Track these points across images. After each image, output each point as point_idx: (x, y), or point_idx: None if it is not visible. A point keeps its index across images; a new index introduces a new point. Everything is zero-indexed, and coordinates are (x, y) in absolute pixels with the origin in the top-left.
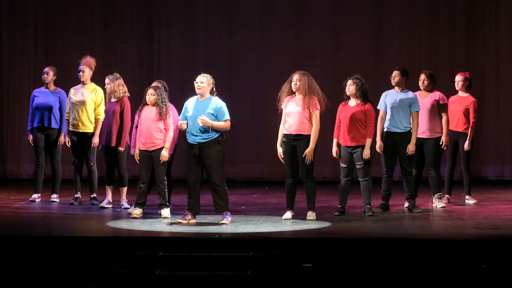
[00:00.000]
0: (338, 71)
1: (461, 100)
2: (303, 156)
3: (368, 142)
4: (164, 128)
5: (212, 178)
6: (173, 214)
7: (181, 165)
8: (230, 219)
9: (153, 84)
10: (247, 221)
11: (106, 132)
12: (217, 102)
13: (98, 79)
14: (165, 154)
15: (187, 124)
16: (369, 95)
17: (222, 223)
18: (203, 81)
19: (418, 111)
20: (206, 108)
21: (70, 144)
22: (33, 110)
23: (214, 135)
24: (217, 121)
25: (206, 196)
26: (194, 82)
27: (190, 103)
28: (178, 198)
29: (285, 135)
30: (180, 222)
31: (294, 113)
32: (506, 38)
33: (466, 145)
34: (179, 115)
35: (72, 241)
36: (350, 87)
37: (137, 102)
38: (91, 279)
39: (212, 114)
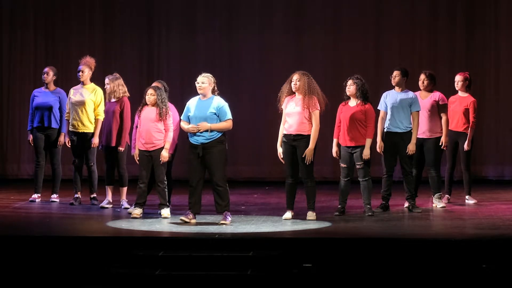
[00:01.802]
0: (338, 71)
1: (461, 100)
2: (303, 156)
3: (368, 142)
4: (164, 129)
5: (214, 178)
6: (173, 214)
7: (181, 165)
8: (230, 219)
9: (154, 84)
10: (247, 221)
11: (106, 132)
12: (219, 102)
13: (98, 79)
14: (165, 155)
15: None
16: (369, 95)
17: (222, 223)
18: (204, 82)
19: (418, 111)
20: (208, 108)
21: (70, 144)
22: (33, 110)
23: (217, 135)
24: (220, 120)
25: (207, 196)
26: (195, 82)
27: (192, 103)
28: (178, 198)
29: (285, 135)
30: (182, 220)
31: (294, 113)
32: (506, 38)
33: (466, 145)
34: (179, 115)
35: (72, 241)
36: (350, 87)
37: (137, 102)
38: (91, 279)
39: (214, 114)
